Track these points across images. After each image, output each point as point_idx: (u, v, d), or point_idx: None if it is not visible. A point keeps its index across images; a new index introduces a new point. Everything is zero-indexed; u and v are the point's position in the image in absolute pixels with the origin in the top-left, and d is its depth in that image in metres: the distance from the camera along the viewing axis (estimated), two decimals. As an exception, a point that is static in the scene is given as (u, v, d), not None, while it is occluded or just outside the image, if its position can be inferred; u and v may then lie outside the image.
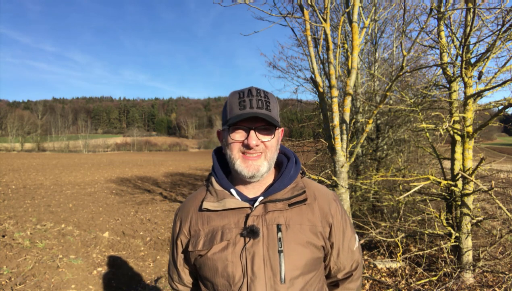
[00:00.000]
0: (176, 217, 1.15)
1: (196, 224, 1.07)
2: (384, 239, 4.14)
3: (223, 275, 0.99)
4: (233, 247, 0.99)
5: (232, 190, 1.06)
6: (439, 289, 3.36)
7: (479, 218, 3.90)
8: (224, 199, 1.04)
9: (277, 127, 1.04)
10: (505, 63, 3.53)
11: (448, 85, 4.04)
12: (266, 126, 1.01)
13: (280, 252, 0.98)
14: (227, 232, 1.01)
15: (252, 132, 0.99)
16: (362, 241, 4.82)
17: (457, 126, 3.80)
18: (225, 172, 1.12)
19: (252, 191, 1.08)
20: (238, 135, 1.01)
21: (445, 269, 3.70)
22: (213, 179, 1.10)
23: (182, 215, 1.12)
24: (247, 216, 1.01)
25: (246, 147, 1.00)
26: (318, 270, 1.09)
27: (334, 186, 4.27)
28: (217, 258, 1.00)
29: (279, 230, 1.00)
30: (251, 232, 0.98)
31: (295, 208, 1.05)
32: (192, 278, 1.18)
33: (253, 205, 1.03)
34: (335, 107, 4.23)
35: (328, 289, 1.20)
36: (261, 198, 1.03)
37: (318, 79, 4.49)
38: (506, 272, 3.70)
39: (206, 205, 1.04)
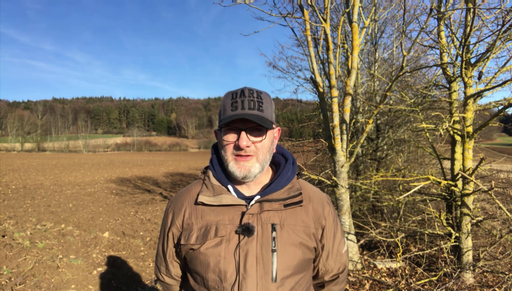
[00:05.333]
0: (169, 209, 1.14)
1: (189, 218, 1.06)
2: (384, 239, 4.14)
3: (215, 270, 0.99)
4: (226, 244, 0.99)
5: (230, 186, 1.06)
6: (439, 289, 3.36)
7: (479, 218, 3.90)
8: (220, 195, 1.04)
9: (269, 128, 1.04)
10: (505, 63, 3.53)
11: (448, 85, 4.04)
12: (258, 127, 1.01)
13: (273, 251, 0.99)
14: (221, 228, 1.01)
15: (242, 133, 1.00)
16: (362, 241, 4.83)
17: (457, 126, 3.80)
18: (222, 168, 1.12)
19: (248, 189, 1.09)
20: (231, 137, 1.02)
21: (445, 269, 3.70)
22: (210, 173, 1.11)
23: (175, 207, 1.12)
24: (243, 214, 1.02)
25: (237, 148, 1.01)
26: (308, 270, 1.10)
27: (334, 186, 4.27)
28: (210, 254, 1.00)
29: (273, 229, 1.01)
30: (246, 230, 0.99)
31: (290, 209, 1.06)
32: (180, 271, 1.19)
33: (248, 203, 1.04)
34: (335, 107, 4.23)
35: (314, 289, 1.21)
36: (258, 197, 1.04)
37: (318, 79, 4.49)
38: (506, 272, 3.70)
39: (201, 198, 1.04)
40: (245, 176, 1.02)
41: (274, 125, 1.08)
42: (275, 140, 1.11)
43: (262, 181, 1.10)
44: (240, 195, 1.07)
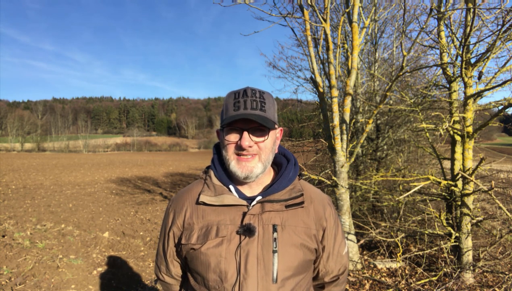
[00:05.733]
0: (170, 208, 1.14)
1: (190, 217, 1.06)
2: (384, 239, 4.14)
3: (215, 271, 0.99)
4: (227, 244, 0.99)
5: (231, 186, 1.06)
6: (439, 289, 3.36)
7: (479, 218, 3.90)
8: (222, 195, 1.04)
9: (272, 129, 1.04)
10: (505, 63, 3.53)
11: (448, 85, 4.04)
12: (260, 127, 1.01)
13: (274, 252, 0.99)
14: (222, 228, 1.01)
15: (245, 133, 1.00)
16: (362, 241, 4.83)
17: (457, 126, 3.80)
18: (223, 168, 1.12)
19: (249, 190, 1.09)
20: (233, 137, 1.02)
21: (445, 269, 3.70)
22: (212, 173, 1.11)
23: (176, 206, 1.11)
24: (244, 214, 1.02)
25: (239, 148, 1.01)
26: (308, 272, 1.10)
27: (334, 186, 4.27)
28: (211, 254, 0.99)
29: (274, 230, 1.01)
30: (247, 230, 0.98)
31: (291, 210, 1.05)
32: (180, 271, 1.18)
33: (250, 204, 1.03)
34: (335, 107, 4.23)
35: (314, 290, 1.22)
36: (259, 197, 1.04)
37: (318, 79, 4.49)
38: (506, 272, 3.70)
39: (203, 198, 1.04)
40: (247, 176, 1.02)
41: (276, 126, 1.08)
42: (277, 141, 1.11)
43: (264, 182, 1.10)
44: (241, 195, 1.06)
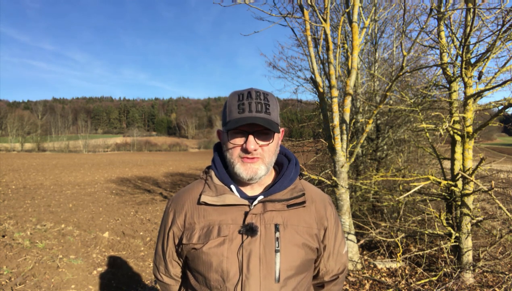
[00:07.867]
0: (169, 208, 1.13)
1: (191, 217, 1.06)
2: (384, 239, 4.14)
3: (217, 270, 0.99)
4: (229, 243, 0.99)
5: (232, 186, 1.06)
6: (439, 289, 3.36)
7: (479, 218, 3.90)
8: (223, 194, 1.04)
9: (276, 132, 1.04)
10: (505, 63, 3.53)
11: (448, 85, 4.04)
12: (265, 130, 1.01)
13: (276, 251, 0.99)
14: (224, 227, 1.01)
15: (250, 137, 1.00)
16: (362, 241, 4.83)
17: (457, 126, 3.80)
18: (225, 167, 1.12)
19: (251, 190, 1.09)
20: (237, 140, 1.02)
21: (445, 269, 3.70)
22: (213, 173, 1.11)
23: (177, 206, 1.11)
24: (246, 214, 1.02)
25: (245, 151, 1.01)
26: (309, 271, 1.11)
27: (334, 186, 4.27)
28: (213, 253, 1.00)
29: (276, 229, 1.01)
30: (249, 230, 0.98)
31: (293, 209, 1.06)
32: (179, 271, 1.18)
33: (251, 203, 1.04)
34: (335, 107, 4.23)
35: (314, 289, 1.22)
36: (261, 197, 1.04)
37: (318, 79, 4.49)
38: (506, 272, 3.70)
39: (204, 198, 1.04)
40: (251, 178, 1.02)
41: (279, 128, 1.08)
42: (279, 142, 1.12)
43: (265, 182, 1.11)
44: (243, 194, 1.07)
